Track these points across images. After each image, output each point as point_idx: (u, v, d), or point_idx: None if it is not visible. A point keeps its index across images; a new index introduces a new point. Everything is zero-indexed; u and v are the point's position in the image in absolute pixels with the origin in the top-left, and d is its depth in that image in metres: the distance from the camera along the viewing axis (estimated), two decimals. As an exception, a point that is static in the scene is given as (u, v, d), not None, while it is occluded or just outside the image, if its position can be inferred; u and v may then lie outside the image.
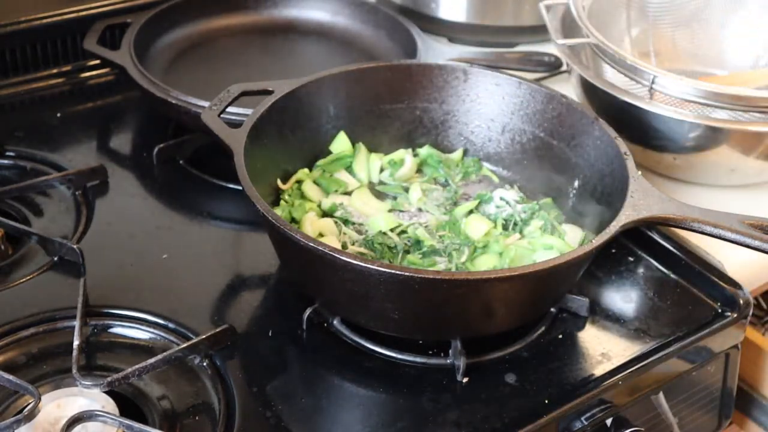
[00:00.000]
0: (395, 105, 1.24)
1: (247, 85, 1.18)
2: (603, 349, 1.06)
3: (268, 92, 1.17)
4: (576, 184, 1.16)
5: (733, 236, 0.98)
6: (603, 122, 1.12)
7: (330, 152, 1.22)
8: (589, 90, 1.29)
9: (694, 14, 1.46)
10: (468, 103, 1.23)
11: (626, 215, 0.98)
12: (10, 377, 0.93)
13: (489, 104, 1.22)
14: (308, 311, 1.05)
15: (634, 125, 1.25)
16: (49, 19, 1.47)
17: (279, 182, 1.16)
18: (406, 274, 0.92)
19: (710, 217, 0.99)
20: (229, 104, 1.15)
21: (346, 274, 0.95)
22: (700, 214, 0.99)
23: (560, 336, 1.07)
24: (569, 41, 1.30)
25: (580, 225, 1.13)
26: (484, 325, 1.01)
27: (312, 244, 0.94)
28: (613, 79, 1.29)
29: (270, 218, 0.97)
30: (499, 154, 1.24)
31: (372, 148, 1.24)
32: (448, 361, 1.02)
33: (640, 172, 1.04)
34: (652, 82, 1.21)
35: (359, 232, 1.13)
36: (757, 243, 0.97)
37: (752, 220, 0.99)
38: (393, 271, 0.92)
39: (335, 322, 1.06)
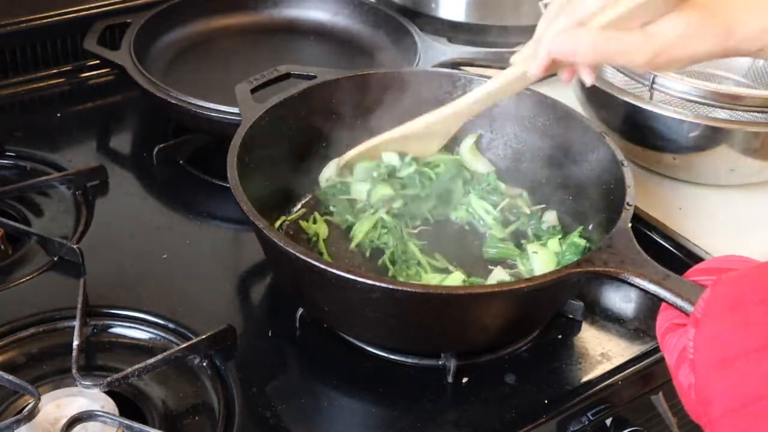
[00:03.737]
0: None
1: (294, 66, 1.20)
2: (603, 349, 1.06)
3: (312, 77, 1.18)
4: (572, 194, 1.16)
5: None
6: (610, 140, 1.11)
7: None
8: (589, 90, 1.29)
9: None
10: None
11: (586, 262, 0.94)
12: (10, 377, 0.93)
13: (487, 113, 1.23)
14: (300, 311, 1.05)
15: (634, 125, 1.25)
16: (49, 19, 1.47)
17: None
18: (383, 285, 0.91)
19: (677, 286, 0.88)
20: (270, 83, 1.16)
21: (318, 280, 0.94)
22: (668, 282, 0.89)
23: (560, 336, 1.07)
24: (569, 41, 1.30)
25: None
26: (467, 340, 1.01)
27: (282, 244, 0.93)
28: (612, 79, 1.29)
29: (243, 207, 0.97)
30: (496, 163, 1.24)
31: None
32: (440, 363, 1.01)
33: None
34: (652, 82, 1.21)
35: None
36: None
37: None
38: (368, 282, 0.91)
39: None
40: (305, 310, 1.05)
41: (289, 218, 1.16)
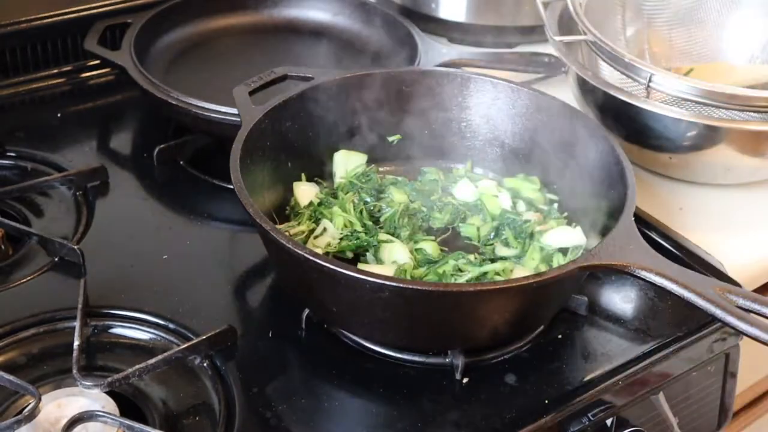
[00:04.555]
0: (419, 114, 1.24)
1: (290, 68, 1.20)
2: (603, 349, 1.06)
3: (309, 78, 1.18)
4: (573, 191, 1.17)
5: (701, 302, 0.91)
6: (614, 141, 1.12)
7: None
8: (586, 88, 1.29)
9: (689, 14, 1.46)
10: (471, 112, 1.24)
11: (591, 256, 0.95)
12: (11, 377, 0.93)
13: (484, 111, 1.23)
14: (306, 311, 1.05)
15: (631, 124, 1.25)
16: (49, 19, 1.47)
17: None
18: (395, 284, 0.91)
19: (684, 277, 0.92)
20: (267, 85, 1.16)
21: (327, 280, 0.95)
22: (675, 274, 0.93)
23: (560, 336, 1.07)
24: (566, 38, 1.31)
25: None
26: (475, 337, 1.01)
27: (291, 246, 0.93)
28: (609, 78, 1.29)
29: (249, 210, 0.98)
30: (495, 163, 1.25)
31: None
32: (447, 360, 1.02)
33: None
34: (649, 81, 1.21)
35: None
36: (720, 313, 0.90)
37: (723, 287, 0.93)
38: (380, 282, 0.91)
39: (335, 322, 1.06)
40: (311, 310, 1.05)
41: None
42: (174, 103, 1.28)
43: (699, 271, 1.12)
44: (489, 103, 1.22)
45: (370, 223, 1.13)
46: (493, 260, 1.10)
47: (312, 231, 1.12)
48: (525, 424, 0.96)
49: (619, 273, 0.94)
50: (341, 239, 1.10)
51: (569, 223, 1.14)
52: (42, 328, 1.04)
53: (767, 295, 0.95)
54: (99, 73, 1.51)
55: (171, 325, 1.05)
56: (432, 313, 0.95)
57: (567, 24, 1.35)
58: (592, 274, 1.12)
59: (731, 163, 1.25)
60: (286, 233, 1.02)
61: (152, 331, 1.05)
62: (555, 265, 1.08)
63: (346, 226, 1.12)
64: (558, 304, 1.06)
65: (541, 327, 1.07)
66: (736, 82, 1.30)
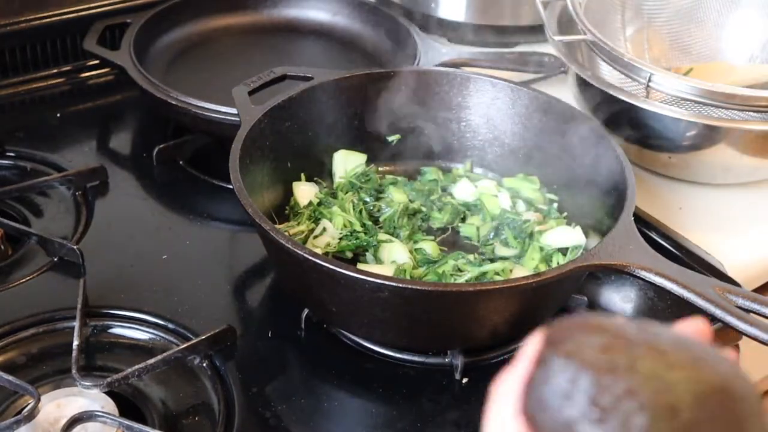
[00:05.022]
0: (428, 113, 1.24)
1: (290, 68, 1.20)
2: (602, 349, 1.06)
3: (308, 78, 1.18)
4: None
5: (701, 302, 0.91)
6: (614, 143, 1.11)
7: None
8: (586, 88, 1.29)
9: (689, 13, 1.46)
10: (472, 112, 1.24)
11: (591, 256, 0.95)
12: (10, 377, 0.93)
13: (484, 111, 1.23)
14: (306, 311, 1.05)
15: (630, 123, 1.25)
16: (49, 19, 1.47)
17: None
18: (394, 284, 0.92)
19: (683, 277, 0.93)
20: (267, 85, 1.16)
21: (326, 280, 0.95)
22: (675, 273, 0.93)
23: (560, 336, 1.07)
24: (565, 38, 1.30)
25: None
26: (475, 337, 1.01)
27: (291, 246, 0.93)
28: (609, 77, 1.29)
29: (249, 210, 0.98)
30: (497, 162, 1.24)
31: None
32: (447, 360, 1.02)
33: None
34: (649, 80, 1.21)
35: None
36: (720, 313, 0.90)
37: (723, 287, 0.93)
38: (378, 281, 0.92)
39: (334, 322, 1.06)
40: (311, 310, 1.05)
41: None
42: (173, 103, 1.28)
43: (699, 271, 1.11)
44: (489, 103, 1.22)
45: (369, 223, 1.13)
46: (492, 260, 1.10)
47: (311, 231, 1.12)
48: (524, 424, 0.96)
49: (618, 273, 0.94)
50: (341, 239, 1.11)
51: (569, 223, 1.15)
52: (41, 328, 1.04)
53: (767, 295, 0.95)
54: (98, 73, 1.51)
55: (170, 325, 1.05)
56: (431, 313, 0.95)
57: (567, 24, 1.35)
58: (591, 274, 1.12)
59: (731, 162, 1.25)
60: (286, 233, 1.02)
61: (152, 331, 1.05)
62: (555, 264, 1.09)
63: (345, 226, 1.12)
64: (558, 304, 1.06)
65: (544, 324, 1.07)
66: (735, 81, 1.30)
